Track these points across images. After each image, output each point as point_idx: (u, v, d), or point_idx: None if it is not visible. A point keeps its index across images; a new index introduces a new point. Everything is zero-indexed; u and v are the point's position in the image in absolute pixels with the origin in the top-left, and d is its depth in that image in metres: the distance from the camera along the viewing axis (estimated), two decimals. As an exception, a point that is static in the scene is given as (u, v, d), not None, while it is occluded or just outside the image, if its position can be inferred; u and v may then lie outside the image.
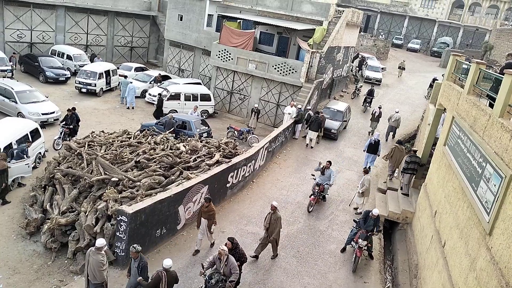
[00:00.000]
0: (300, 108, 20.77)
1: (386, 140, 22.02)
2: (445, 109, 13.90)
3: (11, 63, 25.00)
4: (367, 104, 26.89)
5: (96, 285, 8.52)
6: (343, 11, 26.26)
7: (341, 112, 22.26)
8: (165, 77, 27.89)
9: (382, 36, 52.63)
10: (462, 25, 53.27)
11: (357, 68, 35.26)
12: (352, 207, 15.10)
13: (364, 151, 18.41)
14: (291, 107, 20.81)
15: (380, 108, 22.60)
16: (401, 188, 15.40)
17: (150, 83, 26.80)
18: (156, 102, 22.47)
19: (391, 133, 22.31)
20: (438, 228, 10.30)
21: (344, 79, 31.51)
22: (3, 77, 22.62)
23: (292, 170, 17.58)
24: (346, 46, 28.87)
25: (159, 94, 22.89)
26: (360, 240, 11.48)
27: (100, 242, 8.46)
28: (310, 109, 20.77)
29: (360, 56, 37.16)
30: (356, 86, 30.30)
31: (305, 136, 20.75)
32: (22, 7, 28.21)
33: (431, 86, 28.64)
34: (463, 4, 53.48)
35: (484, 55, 41.27)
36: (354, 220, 12.60)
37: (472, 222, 7.94)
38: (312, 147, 20.24)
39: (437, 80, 26.48)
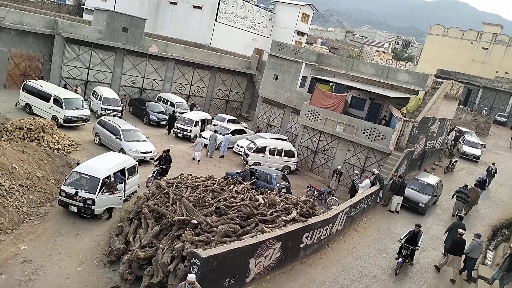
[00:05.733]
0: (378, 174, 20.19)
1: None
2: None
3: (122, 104, 28.07)
4: (404, 258, 14.19)
5: None
6: (442, 82, 25.43)
7: (431, 185, 20.95)
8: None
9: (485, 111, 49.32)
10: None
11: (453, 142, 33.29)
12: None
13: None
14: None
15: (494, 164, 26.00)
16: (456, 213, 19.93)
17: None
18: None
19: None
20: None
21: (438, 152, 29.84)
22: (114, 115, 25.42)
23: (372, 241, 16.63)
24: (442, 118, 27.63)
25: (173, 111, 28.54)
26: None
27: (191, 276, 9.11)
28: (378, 173, 20.18)
29: (456, 130, 35.19)
30: (450, 161, 28.46)
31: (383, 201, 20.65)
32: (139, 57, 32.10)
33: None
34: None
35: None
36: None
37: None
38: (398, 212, 19.87)
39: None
